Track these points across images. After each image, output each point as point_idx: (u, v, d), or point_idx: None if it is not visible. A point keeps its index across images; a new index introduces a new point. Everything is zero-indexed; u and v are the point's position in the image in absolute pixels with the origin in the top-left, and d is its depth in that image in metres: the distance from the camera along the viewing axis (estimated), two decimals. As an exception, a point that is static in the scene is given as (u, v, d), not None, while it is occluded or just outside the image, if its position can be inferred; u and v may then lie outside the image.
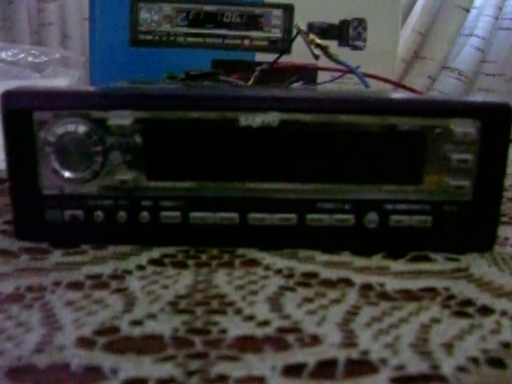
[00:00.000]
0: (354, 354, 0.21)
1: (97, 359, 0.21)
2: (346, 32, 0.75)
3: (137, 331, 0.23)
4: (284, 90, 0.42)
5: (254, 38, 0.74)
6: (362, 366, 0.21)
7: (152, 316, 0.24)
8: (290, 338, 0.22)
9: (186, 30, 0.73)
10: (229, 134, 0.30)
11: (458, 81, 1.50)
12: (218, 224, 0.31)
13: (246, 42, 0.74)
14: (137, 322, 0.24)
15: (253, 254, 0.31)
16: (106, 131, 0.30)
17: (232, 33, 0.74)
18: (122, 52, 0.74)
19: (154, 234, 0.31)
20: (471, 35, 1.52)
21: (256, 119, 0.30)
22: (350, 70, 0.60)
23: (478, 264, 0.30)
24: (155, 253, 0.31)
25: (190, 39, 0.74)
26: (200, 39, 0.74)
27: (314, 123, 0.30)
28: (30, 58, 0.76)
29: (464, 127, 0.30)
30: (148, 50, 0.74)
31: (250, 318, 0.24)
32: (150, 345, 0.22)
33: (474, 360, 0.21)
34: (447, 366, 0.21)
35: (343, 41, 0.75)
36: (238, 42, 0.74)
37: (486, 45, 1.51)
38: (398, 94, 0.38)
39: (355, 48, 0.76)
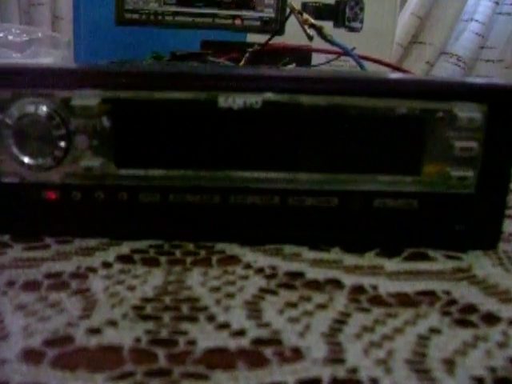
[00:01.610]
0: (341, 371, 0.18)
1: (42, 376, 0.18)
2: (343, 12, 0.71)
3: (93, 341, 0.20)
4: (270, 69, 0.39)
5: (245, 18, 0.71)
6: (350, 387, 0.18)
7: (112, 323, 0.21)
8: (268, 351, 0.19)
9: (174, 8, 0.70)
10: (207, 116, 0.27)
11: (457, 67, 1.47)
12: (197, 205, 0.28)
13: (238, 22, 0.71)
14: (94, 331, 0.21)
15: (233, 249, 0.28)
16: (70, 112, 0.27)
17: (223, 12, 0.70)
18: (108, 32, 0.70)
19: (124, 226, 0.28)
20: (471, 20, 1.49)
21: (237, 100, 0.26)
22: (345, 52, 0.57)
23: (481, 263, 0.27)
24: (125, 248, 0.28)
25: (178, 18, 0.71)
26: (189, 19, 0.71)
27: (303, 105, 0.27)
28: (11, 37, 0.73)
29: (469, 112, 0.27)
30: (135, 29, 0.70)
31: (224, 326, 0.21)
32: (106, 358, 0.19)
33: (479, 380, 0.18)
34: (448, 389, 0.18)
35: (339, 22, 0.72)
36: (229, 21, 0.71)
37: (485, 30, 1.48)
38: (396, 75, 0.35)
39: (351, 29, 0.72)
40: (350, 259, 0.27)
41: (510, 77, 1.48)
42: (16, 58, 0.71)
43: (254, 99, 0.26)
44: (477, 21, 1.49)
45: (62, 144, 0.27)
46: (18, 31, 0.74)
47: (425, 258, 0.28)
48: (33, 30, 0.77)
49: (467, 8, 1.47)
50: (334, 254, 0.28)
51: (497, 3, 1.48)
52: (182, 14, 0.70)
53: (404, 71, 0.64)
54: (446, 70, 1.46)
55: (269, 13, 0.71)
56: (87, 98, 0.27)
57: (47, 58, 0.73)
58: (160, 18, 0.71)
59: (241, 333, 0.21)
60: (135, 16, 0.70)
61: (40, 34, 0.76)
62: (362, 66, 0.54)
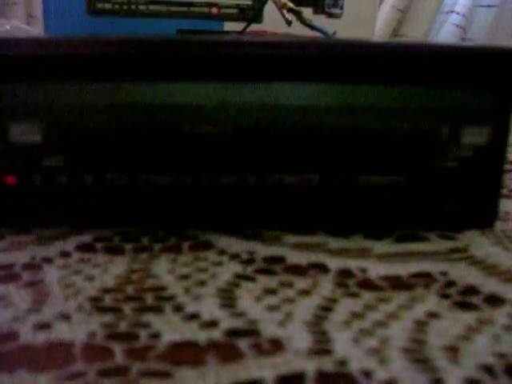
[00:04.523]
0: (328, 364, 0.16)
1: (-24, 379, 0.15)
2: (322, -2, 0.69)
3: (40, 337, 0.17)
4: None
5: (222, 6, 0.68)
6: (339, 381, 0.15)
7: (64, 317, 0.18)
8: (243, 343, 0.17)
9: (147, -3, 0.67)
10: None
11: (439, 59, 1.46)
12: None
13: (214, 11, 0.68)
14: (43, 326, 0.18)
15: (205, 236, 0.25)
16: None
17: (198, 0, 0.68)
18: (79, 22, 0.67)
19: (87, 212, 0.26)
20: (451, 12, 1.48)
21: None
22: (326, 37, 0.55)
23: (478, 243, 0.25)
24: (86, 236, 0.25)
25: (152, 7, 0.68)
26: (163, 7, 0.68)
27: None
28: (-23, 30, 0.69)
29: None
30: (107, 19, 0.68)
31: (193, 316, 0.18)
32: (53, 356, 0.16)
33: (488, 369, 0.16)
34: (453, 380, 0.15)
35: (318, 8, 0.69)
36: (205, 10, 0.68)
37: (466, 22, 1.47)
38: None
39: (331, 16, 0.70)
40: (335, 242, 0.25)
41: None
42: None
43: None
44: (457, 13, 1.48)
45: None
46: (-16, 23, 0.71)
47: (417, 238, 0.25)
48: (1, 23, 0.74)
49: (447, 0, 1.46)
50: (318, 237, 0.25)
51: (477, -5, 1.47)
52: (156, 2, 0.67)
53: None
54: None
55: (246, 0, 0.68)
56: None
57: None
58: (133, 7, 0.68)
59: (212, 324, 0.18)
60: (107, 5, 0.68)
61: (8, 27, 0.73)
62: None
